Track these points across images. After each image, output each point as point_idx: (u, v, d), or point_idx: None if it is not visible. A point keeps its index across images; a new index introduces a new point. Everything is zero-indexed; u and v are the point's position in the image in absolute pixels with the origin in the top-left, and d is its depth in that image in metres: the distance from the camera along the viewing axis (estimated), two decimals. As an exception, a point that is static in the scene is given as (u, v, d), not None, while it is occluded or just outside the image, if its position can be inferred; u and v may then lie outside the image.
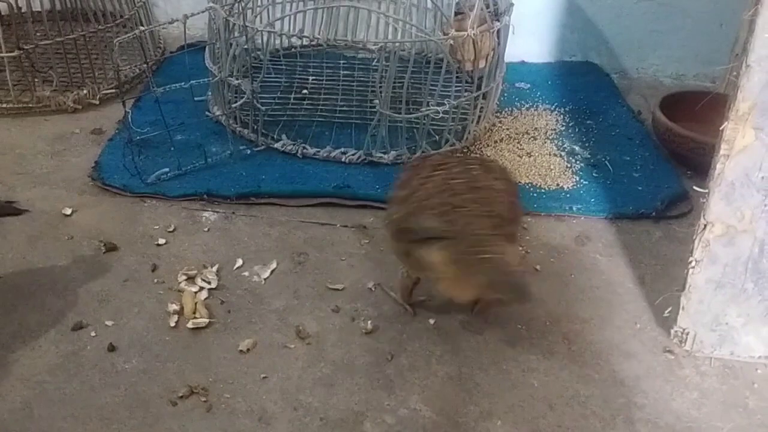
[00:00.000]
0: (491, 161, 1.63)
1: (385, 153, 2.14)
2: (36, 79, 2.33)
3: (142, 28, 1.93)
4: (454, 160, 1.56)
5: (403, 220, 1.49)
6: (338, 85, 2.50)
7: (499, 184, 1.49)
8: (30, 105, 2.29)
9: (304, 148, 2.16)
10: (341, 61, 2.63)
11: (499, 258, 1.42)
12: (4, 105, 2.29)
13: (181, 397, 1.41)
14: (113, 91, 2.39)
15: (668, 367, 1.53)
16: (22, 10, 2.45)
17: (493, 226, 1.43)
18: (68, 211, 1.89)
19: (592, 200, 2.00)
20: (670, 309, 1.59)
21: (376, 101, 2.11)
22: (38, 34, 2.44)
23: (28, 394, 1.41)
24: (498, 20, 2.10)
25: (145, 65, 2.21)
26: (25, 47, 2.25)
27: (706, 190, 1.41)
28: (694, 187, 1.48)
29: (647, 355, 1.55)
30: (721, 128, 1.34)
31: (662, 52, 2.71)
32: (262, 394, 1.43)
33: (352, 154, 2.14)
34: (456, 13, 2.14)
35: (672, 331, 1.57)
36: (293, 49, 2.64)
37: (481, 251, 1.40)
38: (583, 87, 2.59)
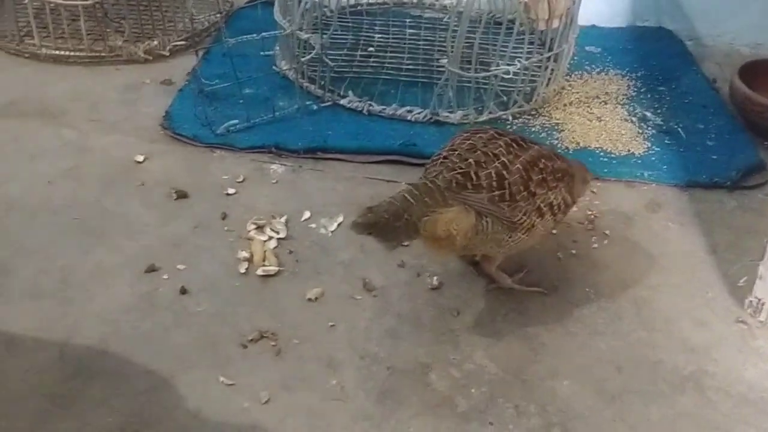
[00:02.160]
0: (536, 143, 1.52)
1: (451, 112, 2.12)
2: (108, 29, 2.36)
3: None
4: (494, 131, 1.50)
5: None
6: (404, 44, 2.48)
7: (509, 157, 1.43)
8: (102, 54, 2.33)
9: (370, 105, 2.15)
10: (407, 20, 2.61)
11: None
12: (78, 53, 2.33)
13: (251, 340, 1.44)
14: (183, 42, 2.41)
15: (741, 337, 1.50)
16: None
17: (454, 184, 1.38)
18: (140, 158, 1.92)
19: (664, 167, 1.96)
20: (745, 278, 1.55)
21: (443, 60, 2.09)
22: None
23: (105, 330, 1.45)
24: (574, -21, 2.05)
25: (218, 14, 2.21)
26: (100, -4, 2.28)
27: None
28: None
29: (719, 324, 1.52)
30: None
31: (739, 19, 2.61)
32: (330, 342, 1.45)
33: (418, 113, 2.13)
34: (531, -28, 2.08)
35: (746, 302, 1.53)
36: (360, 7, 2.63)
37: (415, 195, 1.38)
38: (656, 53, 2.52)
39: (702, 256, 1.70)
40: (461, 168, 1.40)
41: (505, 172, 1.41)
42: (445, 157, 1.43)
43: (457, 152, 1.43)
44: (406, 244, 1.49)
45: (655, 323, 1.52)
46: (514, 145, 1.46)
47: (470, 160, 1.41)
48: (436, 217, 1.35)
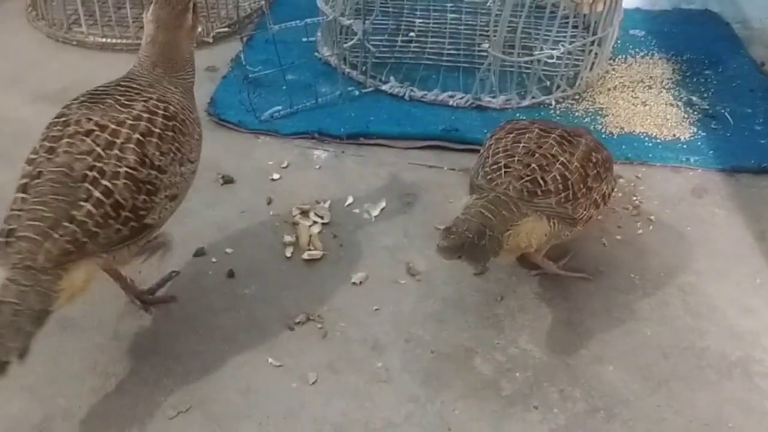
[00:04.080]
0: (581, 135, 1.50)
1: (494, 97, 2.12)
2: (154, 17, 2.39)
3: (261, -36, 1.94)
4: (538, 128, 1.49)
5: (472, 176, 1.48)
6: (445, 29, 2.48)
7: (566, 156, 1.42)
8: (148, 42, 2.36)
9: (411, 90, 2.16)
10: (448, 4, 2.60)
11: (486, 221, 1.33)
12: (124, 41, 2.38)
13: (298, 323, 1.46)
14: (226, 29, 2.44)
15: (790, 324, 1.48)
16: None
17: (525, 192, 1.37)
18: (186, 144, 1.95)
19: (711, 152, 1.93)
20: (795, 265, 1.53)
21: (485, 45, 2.08)
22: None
23: (156, 313, 1.49)
24: (620, -38, 2.02)
25: (263, 1, 2.23)
26: (147, -16, 2.32)
27: None
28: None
29: (767, 311, 1.51)
30: None
31: (789, 0, 2.56)
32: (375, 325, 1.47)
33: (460, 98, 2.13)
34: (575, -46, 2.07)
35: (796, 288, 1.51)
36: (400, -9, 2.63)
37: (492, 209, 1.34)
38: (702, 36, 2.48)
39: (749, 242, 1.68)
40: (528, 175, 1.38)
41: (567, 173, 1.41)
42: (506, 165, 1.40)
43: (516, 158, 1.41)
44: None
45: (701, 309, 1.51)
46: (565, 142, 1.45)
47: (533, 165, 1.40)
48: (517, 229, 1.35)
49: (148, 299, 1.50)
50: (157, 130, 1.28)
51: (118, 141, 1.24)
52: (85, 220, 1.18)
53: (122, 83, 1.37)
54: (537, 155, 1.42)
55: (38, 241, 1.16)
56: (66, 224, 1.17)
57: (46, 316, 1.15)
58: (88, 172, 1.20)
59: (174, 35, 1.40)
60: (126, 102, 1.30)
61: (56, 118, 1.31)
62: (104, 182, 1.20)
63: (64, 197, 1.18)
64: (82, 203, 1.18)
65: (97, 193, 1.19)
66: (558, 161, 1.41)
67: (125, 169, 1.22)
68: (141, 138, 1.26)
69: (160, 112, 1.31)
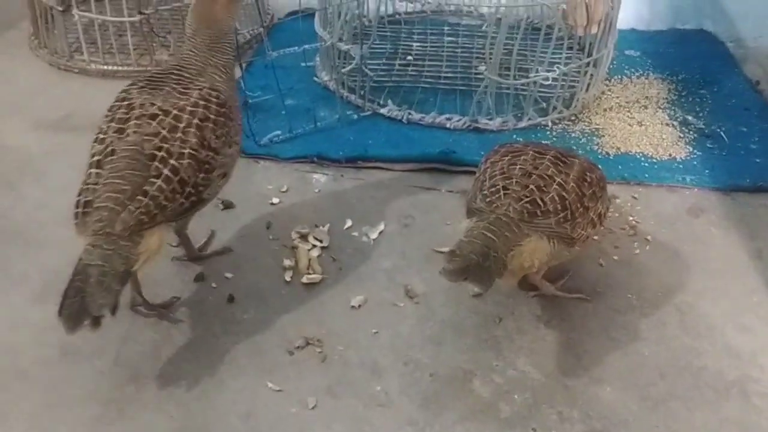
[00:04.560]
0: (575, 156, 1.52)
1: (490, 119, 2.14)
2: (154, 43, 2.43)
3: (260, -8, 1.97)
4: (532, 150, 1.51)
5: (470, 200, 1.50)
6: (442, 52, 2.50)
7: (562, 176, 1.44)
8: (149, 68, 2.39)
9: (409, 113, 2.18)
10: (445, 28, 2.63)
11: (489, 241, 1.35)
12: (125, 68, 2.41)
13: (298, 347, 1.47)
14: (226, 55, 2.46)
15: (787, 342, 1.49)
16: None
17: (525, 213, 1.38)
18: (187, 170, 1.97)
19: (707, 171, 1.95)
20: (790, 283, 1.54)
21: (482, 67, 2.11)
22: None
23: (157, 338, 1.50)
24: (612, -15, 2.05)
25: (261, 28, 2.26)
26: (146, 12, 2.35)
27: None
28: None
29: (764, 329, 1.52)
30: None
31: (783, 19, 2.58)
32: (374, 348, 1.48)
33: (458, 120, 2.15)
34: (569, -22, 2.10)
35: (792, 306, 1.52)
36: (397, 16, 2.66)
37: (494, 231, 1.36)
38: (697, 55, 2.50)
39: (746, 260, 1.69)
40: (527, 196, 1.40)
41: (564, 193, 1.42)
42: (505, 188, 1.42)
43: (514, 180, 1.43)
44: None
45: (698, 329, 1.52)
46: (560, 162, 1.47)
47: (531, 186, 1.41)
48: (520, 250, 1.37)
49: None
50: (212, 116, 1.43)
51: (180, 125, 1.39)
52: (156, 195, 1.33)
53: (174, 72, 1.49)
54: (534, 176, 1.43)
55: (117, 210, 1.30)
56: (140, 198, 1.32)
57: (129, 276, 1.31)
58: (156, 152, 1.35)
59: (211, 7, 1.51)
60: (183, 90, 1.45)
61: (118, 101, 1.45)
62: (172, 161, 1.35)
63: (139, 172, 1.33)
64: (153, 179, 1.33)
65: (166, 171, 1.34)
66: (555, 182, 1.43)
67: (189, 150, 1.38)
68: (200, 122, 1.41)
69: (214, 99, 1.45)
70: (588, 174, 1.48)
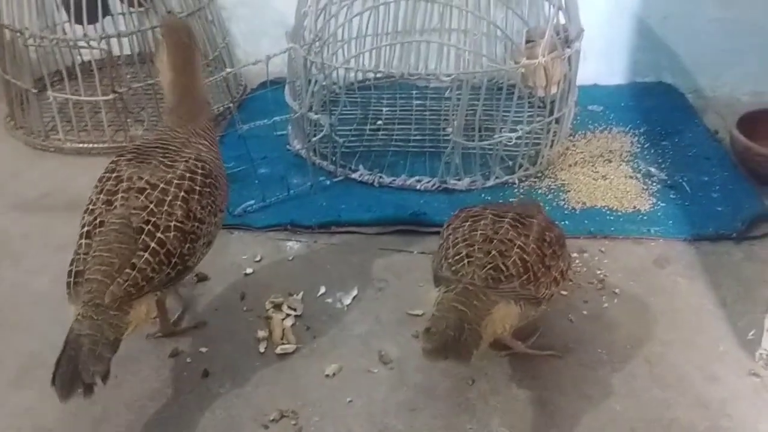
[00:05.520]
0: (532, 216, 1.54)
1: (459, 180, 2.19)
2: (129, 120, 2.49)
3: (228, 69, 2.04)
4: (491, 213, 1.54)
5: (436, 268, 1.52)
6: (411, 115, 2.57)
7: (522, 239, 1.47)
8: (124, 144, 2.43)
9: (380, 177, 2.23)
10: (414, 92, 2.70)
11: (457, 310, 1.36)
12: (100, 145, 2.45)
13: (273, 420, 1.48)
14: (199, 128, 2.52)
15: (754, 390, 1.51)
16: (114, 54, 2.61)
17: (490, 280, 1.40)
18: (162, 244, 2.00)
19: (671, 222, 1.99)
20: (753, 331, 1.57)
21: (450, 129, 2.17)
22: (129, 76, 2.61)
23: (131, 418, 1.50)
24: (569, 47, 2.13)
25: (230, 104, 2.32)
26: (119, 90, 2.41)
27: (788, 211, 1.40)
28: (775, 209, 1.47)
29: (732, 377, 1.54)
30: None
31: (738, 69, 2.68)
32: (349, 417, 1.49)
33: (427, 182, 2.20)
34: (527, 41, 2.18)
35: (757, 354, 1.55)
36: (368, 82, 2.73)
37: (464, 302, 1.37)
38: (657, 108, 2.58)
39: (712, 309, 1.72)
40: (490, 263, 1.42)
41: (525, 256, 1.45)
42: (468, 255, 1.44)
43: (476, 246, 1.45)
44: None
45: (668, 380, 1.54)
46: (519, 225, 1.50)
47: (493, 252, 1.44)
48: (491, 317, 1.39)
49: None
50: (198, 188, 1.50)
51: (167, 198, 1.45)
52: (144, 267, 1.38)
53: (160, 144, 1.57)
54: (495, 241, 1.47)
55: (106, 282, 1.35)
56: (128, 270, 1.37)
57: (119, 343, 1.34)
58: (144, 226, 1.41)
59: (191, 76, 1.63)
60: (170, 162, 1.52)
61: (107, 173, 1.51)
62: (158, 235, 1.41)
63: (127, 245, 1.39)
64: (141, 252, 1.38)
65: (153, 244, 1.40)
66: (516, 245, 1.46)
67: (175, 222, 1.44)
68: (186, 195, 1.47)
69: (199, 171, 1.53)
70: (547, 234, 1.52)
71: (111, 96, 2.41)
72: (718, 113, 2.58)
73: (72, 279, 1.38)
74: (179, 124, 1.62)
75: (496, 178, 2.20)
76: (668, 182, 2.16)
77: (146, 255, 1.39)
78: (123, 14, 2.57)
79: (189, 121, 1.62)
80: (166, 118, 1.66)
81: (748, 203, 2.03)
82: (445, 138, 2.36)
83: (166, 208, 1.44)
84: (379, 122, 2.55)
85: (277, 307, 1.76)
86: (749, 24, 2.61)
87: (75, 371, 1.27)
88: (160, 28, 1.66)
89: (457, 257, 1.45)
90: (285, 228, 2.05)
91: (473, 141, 2.14)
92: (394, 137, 2.45)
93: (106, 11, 2.50)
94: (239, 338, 1.69)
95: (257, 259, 1.94)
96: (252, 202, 2.13)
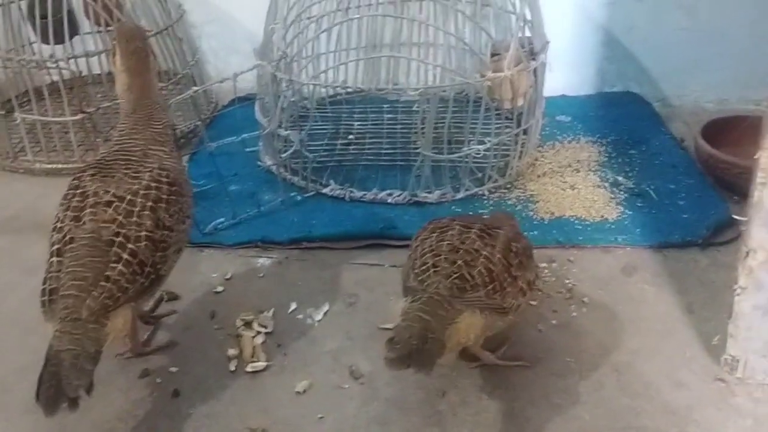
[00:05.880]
0: (499, 227, 1.56)
1: (429, 193, 2.20)
2: (98, 139, 2.48)
3: (195, 88, 2.05)
4: (459, 224, 1.55)
5: (404, 279, 1.53)
6: (382, 129, 2.58)
7: (488, 249, 1.48)
8: (94, 163, 2.43)
9: (351, 191, 2.24)
10: (385, 105, 2.71)
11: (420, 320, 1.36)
12: (70, 165, 2.44)
13: (243, 438, 1.48)
14: (170, 146, 2.51)
15: (720, 395, 1.53)
16: (83, 74, 2.60)
17: (455, 289, 1.41)
18: (132, 263, 1.99)
19: (638, 230, 2.02)
20: (718, 337, 1.60)
21: (419, 143, 2.18)
22: (98, 95, 2.60)
23: (100, 441, 1.49)
24: (534, 59, 2.16)
25: (198, 122, 2.32)
26: (88, 110, 2.41)
27: (747, 218, 1.42)
28: (734, 216, 1.49)
29: (698, 383, 1.56)
30: (755, 157, 1.36)
31: (703, 77, 2.72)
32: (320, 434, 1.49)
33: (398, 195, 2.21)
34: (492, 54, 2.20)
35: (722, 359, 1.57)
36: (339, 96, 2.74)
37: (429, 311, 1.38)
38: (625, 117, 2.62)
39: (678, 316, 1.74)
40: (455, 272, 1.43)
41: (491, 266, 1.46)
42: (434, 265, 1.45)
43: (442, 256, 1.46)
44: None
45: (636, 388, 1.56)
46: (485, 235, 1.51)
47: (459, 262, 1.45)
48: (456, 327, 1.39)
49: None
50: (164, 196, 1.52)
51: (135, 209, 1.47)
52: (118, 278, 1.40)
53: (121, 156, 1.58)
54: (461, 251, 1.48)
55: (82, 297, 1.36)
56: (103, 283, 1.38)
57: (99, 355, 1.35)
58: (114, 238, 1.42)
59: (145, 78, 1.65)
60: (134, 174, 1.53)
61: (72, 189, 1.53)
62: (130, 245, 1.43)
63: (99, 259, 1.40)
64: (114, 264, 1.40)
65: (125, 255, 1.42)
66: (482, 255, 1.48)
67: (145, 232, 1.46)
68: (153, 205, 1.49)
69: (164, 179, 1.54)
70: (513, 244, 1.53)
71: (79, 116, 2.40)
72: (684, 121, 2.62)
73: (47, 297, 1.39)
74: (137, 130, 1.63)
75: (466, 190, 2.21)
76: (635, 191, 2.19)
77: (120, 266, 1.40)
78: (91, 33, 2.56)
79: (146, 126, 1.63)
80: (122, 123, 1.67)
81: (713, 210, 2.06)
82: (416, 151, 2.36)
83: (135, 219, 1.46)
84: (351, 136, 2.56)
85: (248, 324, 1.76)
86: (713, 33, 2.66)
87: (58, 386, 1.28)
88: (114, 33, 1.67)
89: (423, 267, 1.46)
90: (256, 245, 2.05)
91: (442, 154, 2.16)
92: (366, 151, 2.46)
93: (75, 31, 2.49)
94: (210, 357, 1.68)
95: (228, 276, 1.94)
96: (222, 219, 2.13)
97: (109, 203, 1.47)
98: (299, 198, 2.25)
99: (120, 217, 1.45)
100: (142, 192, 1.50)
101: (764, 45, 2.60)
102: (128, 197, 1.48)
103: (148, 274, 1.46)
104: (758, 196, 1.38)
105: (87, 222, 1.44)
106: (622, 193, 2.18)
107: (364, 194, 2.23)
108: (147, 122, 1.64)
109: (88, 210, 1.46)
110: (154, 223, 1.48)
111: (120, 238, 1.43)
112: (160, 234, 1.48)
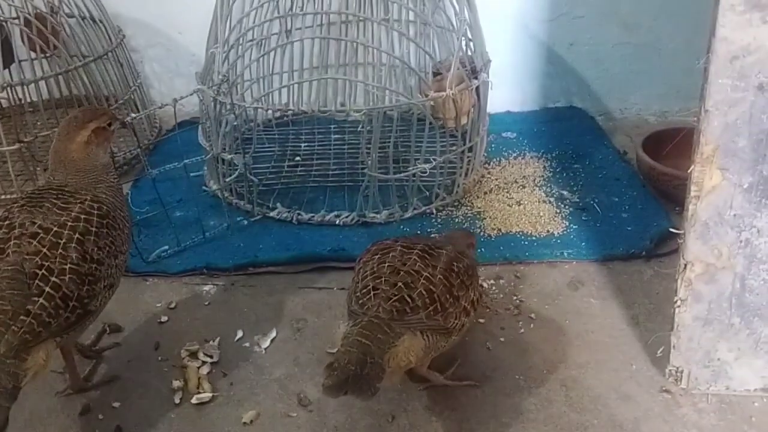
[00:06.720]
0: (442, 248, 1.55)
1: (377, 213, 2.19)
2: (37, 169, 2.41)
3: (132, 115, 2.01)
4: (401, 245, 1.55)
5: (347, 302, 1.52)
6: (330, 150, 2.57)
7: (429, 270, 1.48)
8: (33, 193, 2.37)
9: (298, 214, 2.22)
10: (332, 126, 2.71)
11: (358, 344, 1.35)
12: (8, 196, 2.37)
13: (188, 473, 1.44)
14: (112, 173, 2.46)
15: (666, 406, 1.54)
16: (20, 102, 2.53)
17: (395, 312, 1.41)
18: (73, 296, 1.94)
19: (583, 244, 2.04)
20: (662, 348, 1.61)
21: (366, 163, 2.17)
22: (37, 123, 2.54)
23: (40, 482, 1.44)
24: (476, 78, 2.17)
25: (138, 149, 2.28)
26: (25, 140, 2.34)
27: (682, 231, 1.44)
28: (671, 229, 1.51)
29: (645, 396, 1.57)
30: (689, 171, 1.38)
31: (643, 91, 2.78)
32: (267, 465, 1.46)
33: (346, 216, 2.20)
34: (434, 74, 2.21)
35: (666, 371, 1.59)
36: (285, 118, 2.73)
37: (368, 335, 1.37)
38: (569, 132, 2.65)
39: (624, 328, 1.76)
40: (395, 294, 1.42)
41: (432, 287, 1.45)
42: (375, 287, 1.44)
43: (383, 279, 1.45)
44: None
45: (583, 403, 1.57)
46: (427, 256, 1.51)
47: (399, 284, 1.44)
48: (395, 350, 1.38)
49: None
50: (94, 228, 1.47)
51: (61, 241, 1.42)
52: (39, 313, 1.35)
53: (55, 187, 1.54)
54: (402, 273, 1.47)
55: (0, 332, 1.31)
56: (23, 317, 1.34)
57: (18, 392, 1.32)
58: (37, 271, 1.38)
59: (65, 146, 1.57)
60: (63, 205, 1.48)
61: (0, 221, 1.47)
62: (53, 279, 1.38)
63: (19, 292, 1.36)
64: (35, 298, 1.35)
65: (48, 289, 1.37)
66: (422, 276, 1.47)
67: (69, 265, 1.41)
68: (81, 237, 1.45)
69: (95, 211, 1.50)
70: (455, 264, 1.53)
71: (17, 145, 2.34)
72: (627, 134, 2.66)
73: None
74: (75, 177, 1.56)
75: (414, 209, 2.21)
76: (580, 204, 2.22)
77: (41, 300, 1.36)
78: (27, 60, 2.50)
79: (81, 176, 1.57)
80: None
81: (656, 221, 2.09)
82: (364, 172, 2.36)
83: (60, 251, 1.41)
84: (297, 158, 2.54)
85: (193, 354, 1.72)
86: (652, 47, 2.71)
87: None
88: (81, 114, 1.60)
89: (364, 290, 1.45)
90: (201, 272, 2.01)
91: (389, 173, 2.15)
92: (313, 173, 2.45)
93: (11, 59, 2.43)
94: (153, 390, 1.64)
95: (172, 306, 1.90)
96: (166, 247, 2.08)
97: (34, 235, 1.42)
98: (245, 222, 2.22)
99: (44, 249, 1.40)
100: (70, 223, 1.45)
101: (700, 58, 2.66)
102: (54, 228, 1.43)
103: (73, 309, 1.40)
104: (692, 210, 1.40)
105: (11, 254, 1.40)
106: (567, 207, 2.20)
107: (312, 216, 2.21)
108: (84, 174, 1.56)
109: (12, 242, 1.41)
110: (80, 255, 1.42)
111: (43, 271, 1.38)
112: (87, 267, 1.43)
